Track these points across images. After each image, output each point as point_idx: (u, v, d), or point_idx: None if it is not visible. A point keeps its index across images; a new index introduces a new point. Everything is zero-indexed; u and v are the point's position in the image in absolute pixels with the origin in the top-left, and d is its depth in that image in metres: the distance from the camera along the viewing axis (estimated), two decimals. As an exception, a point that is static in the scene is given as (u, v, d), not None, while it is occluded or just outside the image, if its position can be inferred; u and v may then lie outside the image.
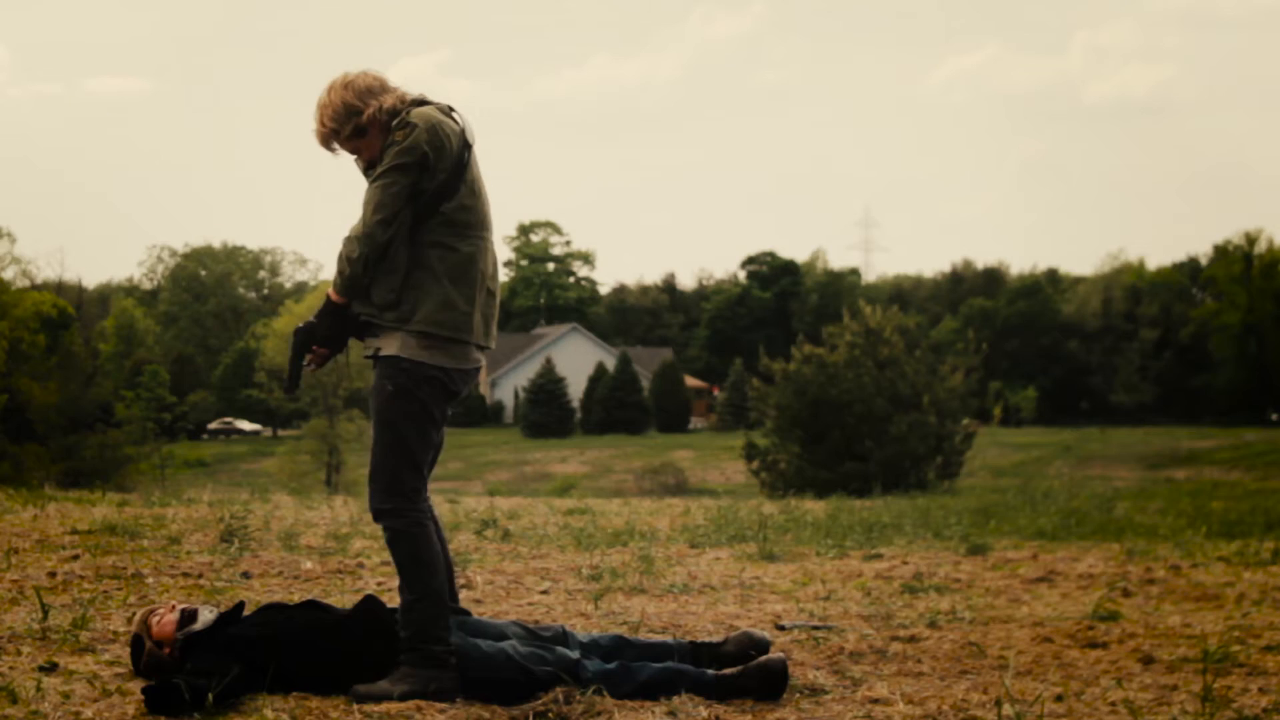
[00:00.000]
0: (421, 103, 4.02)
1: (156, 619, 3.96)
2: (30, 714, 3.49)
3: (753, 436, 31.80)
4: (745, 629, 4.53)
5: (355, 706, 3.72)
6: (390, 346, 3.92)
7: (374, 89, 3.99)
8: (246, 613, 4.11)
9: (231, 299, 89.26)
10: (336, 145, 4.05)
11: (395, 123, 3.92)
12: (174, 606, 4.00)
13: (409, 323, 3.90)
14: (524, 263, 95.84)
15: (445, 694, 3.79)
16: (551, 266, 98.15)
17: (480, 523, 8.65)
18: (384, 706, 3.72)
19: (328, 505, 10.63)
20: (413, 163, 3.86)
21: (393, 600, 5.25)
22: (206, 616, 3.95)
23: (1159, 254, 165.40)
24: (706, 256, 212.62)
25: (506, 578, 6.33)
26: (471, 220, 3.98)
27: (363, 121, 3.96)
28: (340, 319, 3.99)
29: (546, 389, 70.91)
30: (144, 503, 9.88)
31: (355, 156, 4.06)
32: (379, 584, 5.93)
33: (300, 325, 4.04)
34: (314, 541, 7.46)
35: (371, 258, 3.87)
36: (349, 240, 3.88)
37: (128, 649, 4.19)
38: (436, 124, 3.91)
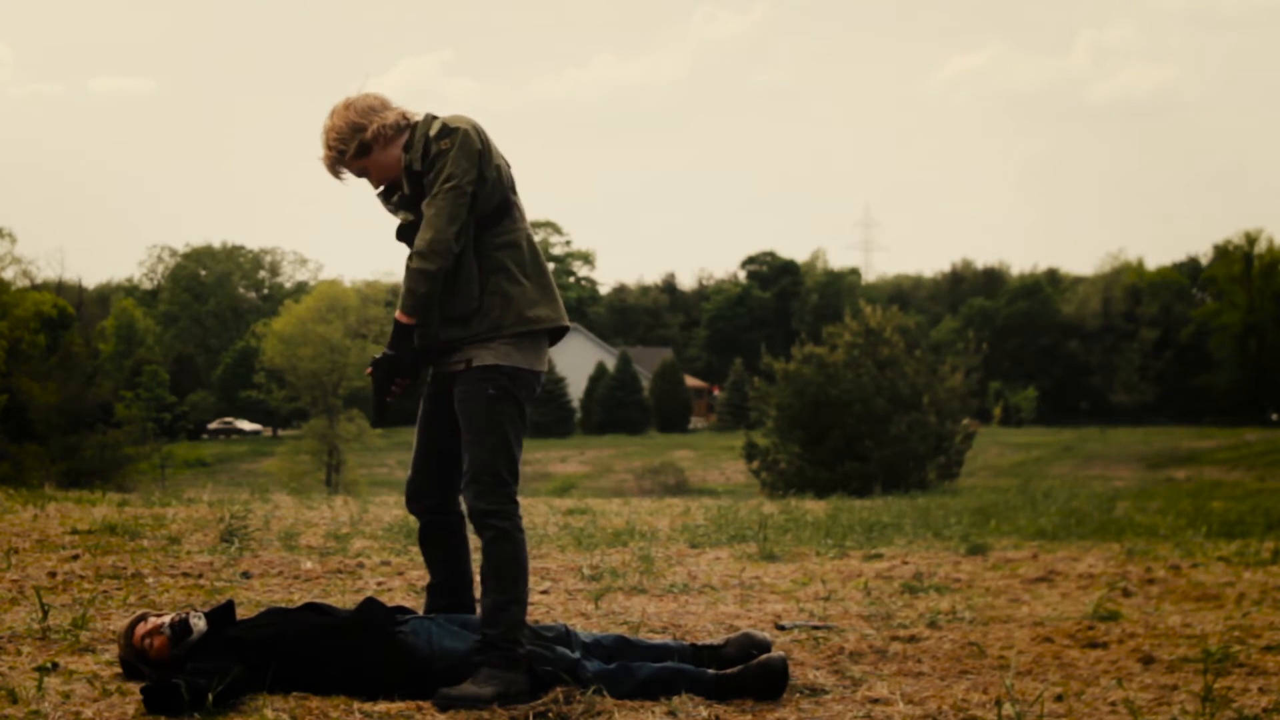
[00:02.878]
0: (434, 117, 4.03)
1: (148, 643, 3.88)
2: (30, 714, 3.49)
3: (753, 436, 31.78)
4: (746, 630, 4.53)
5: (355, 706, 3.72)
6: (486, 357, 3.95)
7: (375, 107, 4.02)
8: (247, 613, 4.11)
9: (231, 299, 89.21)
10: (343, 170, 4.06)
11: (437, 132, 3.93)
12: (158, 626, 3.91)
13: (502, 329, 3.94)
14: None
15: (522, 696, 3.79)
16: (551, 266, 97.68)
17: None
18: (382, 706, 3.72)
19: (328, 505, 10.62)
20: (471, 167, 3.88)
21: (392, 600, 5.25)
22: (199, 625, 3.91)
23: (1159, 254, 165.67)
24: (706, 256, 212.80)
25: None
26: (523, 214, 4.07)
27: (367, 138, 3.98)
28: (412, 341, 3.98)
29: (546, 389, 70.90)
30: (144, 503, 9.87)
31: (365, 178, 4.07)
32: (379, 584, 5.93)
33: (378, 359, 4.00)
34: (314, 541, 7.45)
35: (447, 271, 3.88)
36: (420, 256, 3.85)
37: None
38: (478, 126, 3.96)
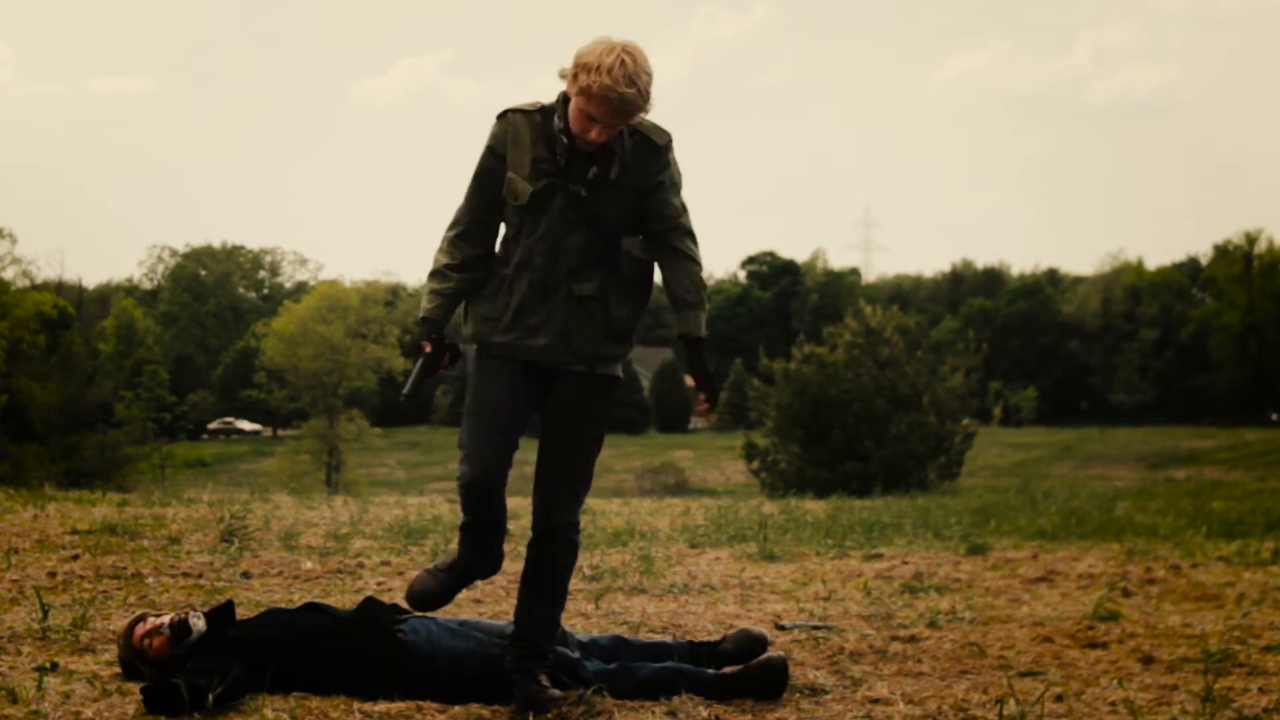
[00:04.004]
0: None
1: (148, 643, 3.88)
2: (30, 714, 3.49)
3: (753, 436, 31.82)
4: (743, 626, 4.52)
5: (355, 706, 3.71)
6: (611, 367, 3.87)
7: None
8: (247, 613, 4.10)
9: (231, 299, 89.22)
10: (640, 113, 3.63)
11: (666, 141, 3.74)
12: (158, 626, 3.91)
13: (628, 345, 3.89)
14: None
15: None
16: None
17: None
18: (382, 706, 3.72)
19: (328, 505, 10.61)
20: None
21: (392, 600, 5.25)
22: (199, 625, 3.91)
23: (1159, 254, 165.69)
24: (706, 256, 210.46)
25: (507, 578, 6.31)
26: None
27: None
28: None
29: (546, 389, 70.84)
30: (144, 503, 9.87)
31: (610, 130, 3.61)
32: (379, 584, 5.93)
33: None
34: (314, 541, 7.45)
35: (640, 284, 3.82)
36: (700, 267, 3.78)
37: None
38: None
